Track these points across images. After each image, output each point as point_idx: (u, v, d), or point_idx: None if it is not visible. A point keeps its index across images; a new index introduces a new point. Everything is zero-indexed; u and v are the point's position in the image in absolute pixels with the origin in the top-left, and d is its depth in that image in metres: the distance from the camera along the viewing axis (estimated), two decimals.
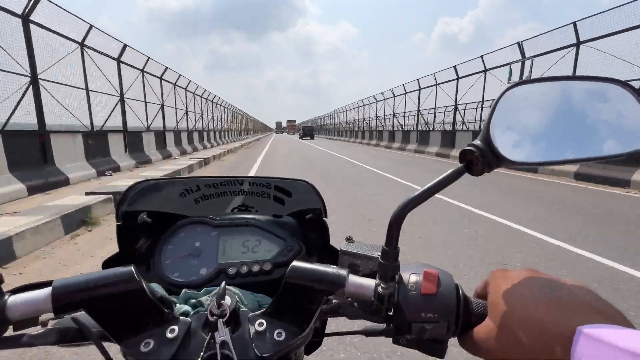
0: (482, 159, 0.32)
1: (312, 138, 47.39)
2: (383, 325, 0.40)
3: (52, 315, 0.34)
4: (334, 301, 0.41)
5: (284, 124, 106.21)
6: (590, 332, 0.23)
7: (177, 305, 0.41)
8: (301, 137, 47.67)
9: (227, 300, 0.36)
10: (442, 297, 0.34)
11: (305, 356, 0.49)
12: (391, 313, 0.36)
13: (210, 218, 0.58)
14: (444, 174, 0.34)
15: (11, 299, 0.33)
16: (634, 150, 0.32)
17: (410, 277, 0.36)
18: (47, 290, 0.33)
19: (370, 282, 0.36)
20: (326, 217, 0.58)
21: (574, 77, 0.34)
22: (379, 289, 0.35)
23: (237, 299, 0.41)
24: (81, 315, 0.36)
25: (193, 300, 0.42)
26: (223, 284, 0.36)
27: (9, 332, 0.34)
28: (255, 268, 0.52)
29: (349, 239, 0.45)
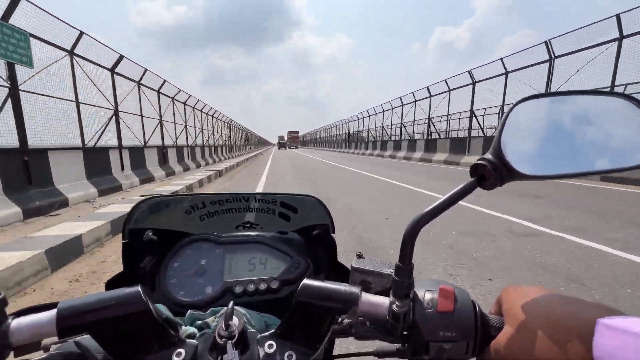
0: (494, 172, 0.32)
1: (285, 148, 67.45)
2: (396, 346, 0.39)
3: (54, 339, 0.32)
4: (345, 321, 0.40)
5: (286, 138, 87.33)
6: (609, 323, 0.23)
7: (183, 327, 0.40)
8: (278, 148, 67.13)
9: (235, 320, 0.35)
10: (459, 315, 0.33)
11: None
12: (406, 332, 0.35)
13: (215, 235, 0.57)
14: (455, 189, 0.34)
15: (14, 322, 0.31)
16: None
17: (426, 294, 0.35)
18: (52, 313, 0.32)
19: (384, 300, 0.35)
20: (334, 232, 0.57)
21: (582, 92, 0.35)
22: (394, 307, 0.34)
23: (245, 320, 0.39)
24: (84, 340, 0.34)
25: (199, 322, 0.41)
26: (231, 304, 0.35)
27: (10, 357, 0.32)
28: (262, 286, 0.50)
29: (360, 256, 0.44)
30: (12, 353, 0.32)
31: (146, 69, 11.10)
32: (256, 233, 0.58)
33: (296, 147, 78.34)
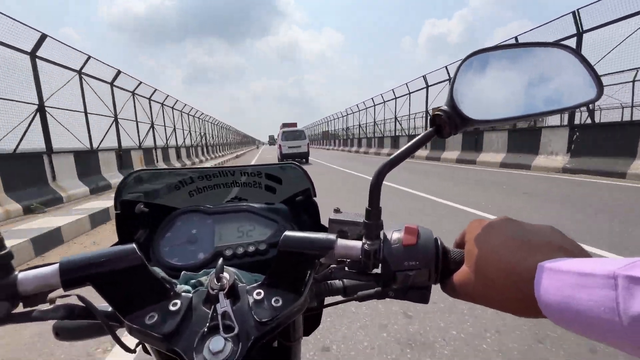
0: (449, 121, 0.36)
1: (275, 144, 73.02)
2: (374, 290, 0.42)
3: (60, 292, 0.36)
4: (328, 267, 0.44)
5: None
6: (547, 265, 0.27)
7: (178, 285, 0.42)
8: (269, 145, 73.11)
9: (226, 275, 0.38)
10: (421, 247, 0.37)
11: (304, 337, 0.51)
12: (379, 271, 0.39)
13: (205, 207, 0.60)
14: (416, 138, 0.38)
15: (21, 274, 0.34)
16: (578, 103, 0.36)
17: (393, 234, 0.39)
18: (55, 266, 0.34)
19: (357, 243, 0.39)
20: (315, 196, 0.60)
21: (525, 44, 0.39)
22: (365, 246, 0.38)
23: (236, 276, 0.43)
24: (87, 295, 0.37)
25: (193, 281, 0.44)
26: (220, 260, 0.38)
27: (20, 308, 0.35)
28: (251, 249, 0.54)
29: (337, 210, 0.48)
30: (21, 305, 0.35)
31: (119, 70, 11.12)
32: (245, 204, 0.62)
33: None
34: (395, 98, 20.05)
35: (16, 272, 0.35)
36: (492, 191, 6.34)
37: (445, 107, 0.36)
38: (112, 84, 10.72)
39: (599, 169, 7.62)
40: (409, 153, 0.37)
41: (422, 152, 15.71)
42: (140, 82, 12.91)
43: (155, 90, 14.67)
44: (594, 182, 7.03)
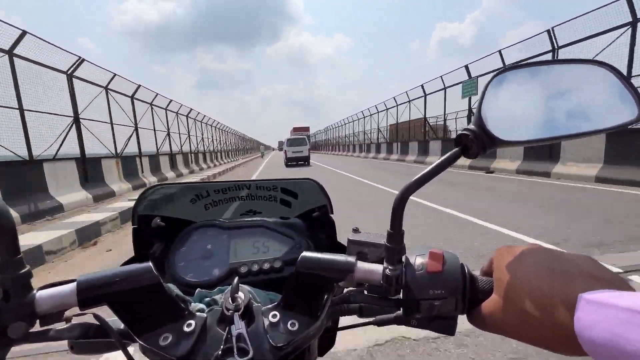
0: (476, 141, 0.34)
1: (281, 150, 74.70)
2: (394, 314, 0.41)
3: (76, 311, 0.35)
4: (345, 290, 0.42)
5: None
6: (590, 297, 0.24)
7: (192, 303, 0.42)
8: (279, 150, 70.38)
9: (241, 295, 0.37)
10: (448, 274, 0.35)
11: (318, 358, 0.49)
12: (400, 296, 0.37)
13: (220, 221, 0.60)
14: (441, 158, 0.36)
15: (39, 293, 0.34)
16: (617, 124, 0.34)
17: (417, 258, 0.37)
18: (73, 285, 0.34)
19: (378, 267, 0.38)
20: (332, 213, 0.59)
21: (559, 61, 0.37)
22: (387, 271, 0.36)
23: (250, 295, 0.42)
24: (102, 313, 0.37)
25: (207, 299, 0.43)
26: (236, 279, 0.37)
27: (36, 327, 0.35)
28: (266, 266, 0.53)
29: (356, 230, 0.46)
30: (37, 323, 0.35)
31: (139, 85, 11.54)
32: (259, 218, 0.61)
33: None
34: (445, 88, 16.45)
35: (34, 291, 0.34)
36: None
37: (472, 127, 0.35)
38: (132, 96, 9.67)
39: None
40: (433, 174, 0.36)
41: (464, 162, 11.72)
42: (98, 69, 9.13)
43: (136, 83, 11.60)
44: None
